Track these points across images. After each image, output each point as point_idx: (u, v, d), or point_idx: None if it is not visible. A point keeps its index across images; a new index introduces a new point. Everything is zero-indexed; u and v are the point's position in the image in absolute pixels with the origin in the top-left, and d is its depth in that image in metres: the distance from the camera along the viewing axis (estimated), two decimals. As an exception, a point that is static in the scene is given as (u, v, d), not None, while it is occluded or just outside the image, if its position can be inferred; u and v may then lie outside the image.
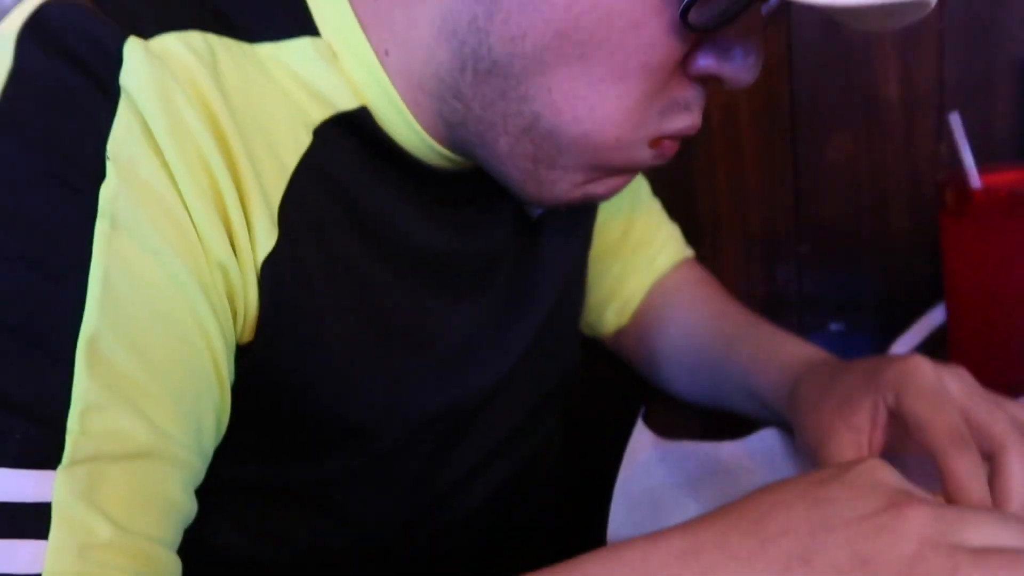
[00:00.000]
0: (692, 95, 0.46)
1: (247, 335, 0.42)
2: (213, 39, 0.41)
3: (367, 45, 0.45)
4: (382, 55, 0.45)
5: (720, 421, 0.67)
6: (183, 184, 0.38)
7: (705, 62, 0.44)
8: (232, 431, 0.43)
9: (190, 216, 0.38)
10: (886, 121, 0.89)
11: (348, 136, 0.45)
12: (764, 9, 0.44)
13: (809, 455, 0.53)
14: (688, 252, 0.79)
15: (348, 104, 0.45)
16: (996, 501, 0.42)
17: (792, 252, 0.94)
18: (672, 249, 0.76)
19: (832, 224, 0.93)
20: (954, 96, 0.86)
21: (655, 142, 0.46)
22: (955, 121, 0.64)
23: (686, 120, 0.46)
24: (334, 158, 0.45)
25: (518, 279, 0.57)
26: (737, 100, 0.91)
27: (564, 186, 0.47)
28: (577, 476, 0.75)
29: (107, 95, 0.37)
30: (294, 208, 0.43)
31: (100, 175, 0.36)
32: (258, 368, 0.43)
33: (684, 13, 0.39)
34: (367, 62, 0.45)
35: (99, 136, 0.37)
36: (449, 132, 0.47)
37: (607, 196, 0.50)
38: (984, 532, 0.33)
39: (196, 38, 0.40)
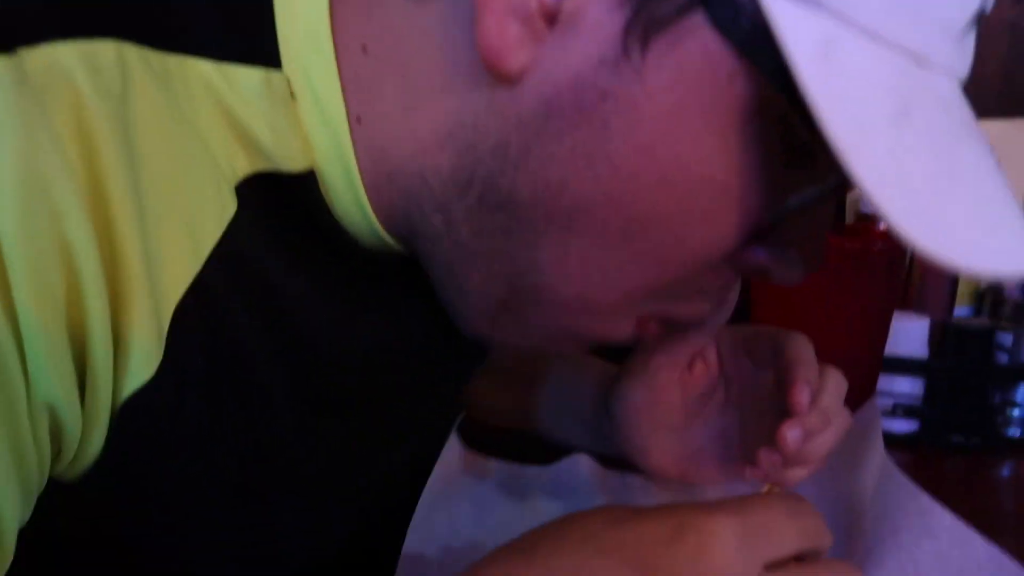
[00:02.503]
0: (720, 283, 0.38)
1: (72, 474, 0.31)
2: (132, 53, 0.29)
3: (339, 97, 0.33)
4: (352, 119, 0.34)
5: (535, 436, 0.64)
6: (15, 277, 0.25)
7: (761, 256, 0.36)
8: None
9: (16, 333, 0.26)
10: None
11: (278, 202, 0.34)
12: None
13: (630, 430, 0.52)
14: None
15: (293, 164, 0.33)
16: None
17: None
18: None
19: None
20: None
21: (642, 321, 0.39)
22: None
23: (697, 308, 0.39)
24: (256, 231, 0.33)
25: (427, 363, 0.47)
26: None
27: (515, 334, 0.40)
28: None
29: None
30: (193, 320, 0.31)
31: None
32: (78, 510, 0.32)
33: (766, 227, 0.33)
34: (330, 118, 0.33)
35: None
36: (409, 237, 0.37)
37: (552, 352, 0.45)
38: None
39: (107, 51, 0.28)
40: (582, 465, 0.60)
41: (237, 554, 0.41)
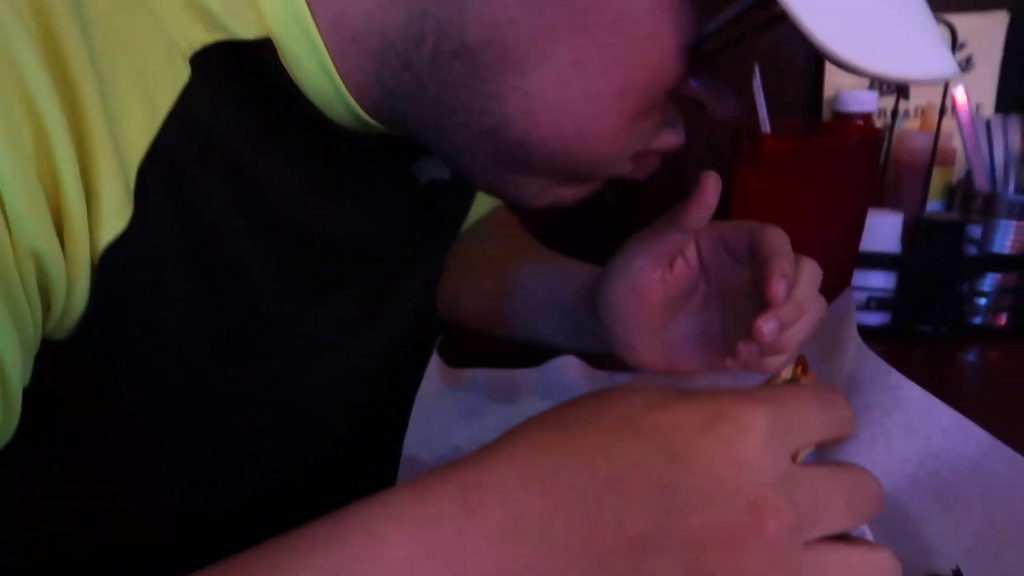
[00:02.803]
0: (677, 113, 0.43)
1: (62, 332, 0.33)
2: None
3: None
4: None
5: (517, 349, 0.66)
6: None
7: (697, 86, 0.40)
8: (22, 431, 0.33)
9: None
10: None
11: (237, 70, 0.35)
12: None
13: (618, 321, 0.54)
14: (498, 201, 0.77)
15: (247, 31, 0.34)
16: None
17: (597, 202, 0.95)
18: (487, 201, 0.74)
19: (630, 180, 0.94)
20: (753, 60, 0.90)
21: (639, 156, 0.42)
22: (754, 71, 0.66)
23: (673, 138, 0.43)
24: (215, 97, 0.34)
25: (401, 247, 0.49)
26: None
27: (532, 189, 0.42)
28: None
29: None
30: (158, 170, 0.32)
31: None
32: (66, 370, 0.34)
33: (702, 39, 0.36)
34: None
35: None
36: (388, 102, 0.38)
37: (576, 200, 0.45)
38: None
39: None
40: (569, 365, 0.61)
41: (211, 440, 0.42)
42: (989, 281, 0.75)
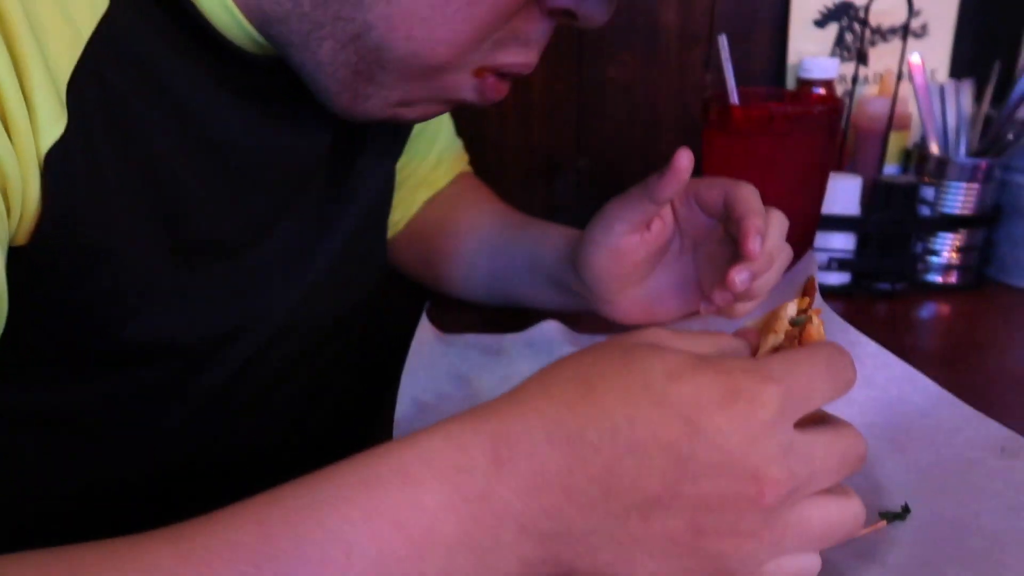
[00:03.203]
0: (536, 31, 0.44)
1: (22, 237, 0.36)
2: None
3: None
4: None
5: (501, 315, 0.69)
6: None
7: None
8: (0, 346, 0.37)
9: None
10: (662, 48, 0.94)
11: (152, 4, 0.39)
12: None
13: (601, 297, 0.57)
14: (466, 167, 0.80)
15: None
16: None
17: (572, 166, 0.98)
18: (456, 164, 0.77)
19: (609, 141, 0.97)
20: (722, 29, 0.92)
21: (480, 72, 0.44)
22: (722, 43, 0.69)
23: (521, 56, 0.45)
24: (135, 27, 0.38)
25: (335, 186, 0.53)
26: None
27: (377, 103, 0.45)
28: (365, 377, 0.75)
29: None
30: (87, 86, 0.36)
31: None
32: (32, 275, 0.37)
33: None
34: None
35: None
36: (267, 26, 0.42)
37: (417, 120, 0.48)
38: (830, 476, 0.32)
39: None
40: (552, 328, 0.64)
41: (174, 349, 0.45)
42: (941, 241, 0.79)
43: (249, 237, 0.47)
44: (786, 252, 0.54)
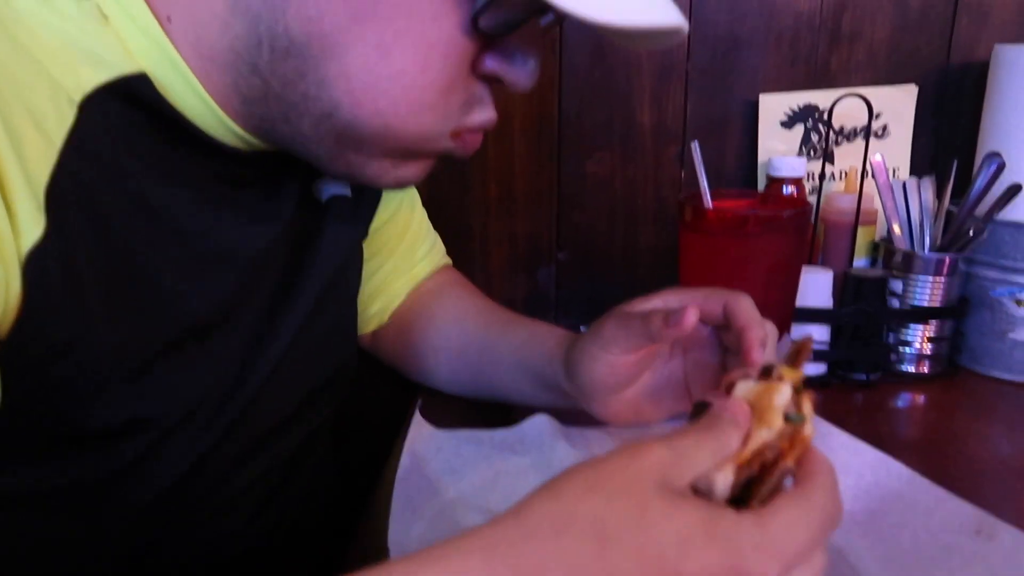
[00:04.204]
0: (484, 92, 0.49)
1: (2, 332, 0.38)
2: None
3: (144, 7, 0.42)
4: (163, 20, 0.43)
5: (494, 411, 0.70)
6: None
7: (492, 63, 0.47)
8: None
9: None
10: (639, 145, 0.98)
11: (123, 106, 0.42)
12: (543, 22, 0.47)
13: (595, 402, 0.59)
14: (447, 260, 0.82)
15: (123, 68, 0.42)
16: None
17: (552, 257, 1.01)
18: (435, 255, 0.79)
19: (589, 233, 1.01)
20: (696, 129, 0.97)
21: (456, 134, 0.49)
22: (695, 149, 0.73)
23: (485, 114, 0.49)
24: (107, 132, 0.41)
25: (297, 257, 0.55)
26: (511, 114, 0.96)
27: (374, 170, 0.48)
28: (348, 461, 0.75)
29: None
30: (64, 192, 0.38)
31: None
32: (5, 365, 0.38)
33: (476, 15, 0.43)
34: (144, 25, 0.42)
35: None
36: (246, 108, 0.45)
37: (417, 179, 0.52)
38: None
39: None
40: (543, 423, 0.65)
41: (141, 431, 0.45)
42: (912, 332, 0.82)
43: (216, 319, 0.49)
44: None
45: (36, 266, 0.37)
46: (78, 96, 0.40)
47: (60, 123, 0.39)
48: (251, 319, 0.52)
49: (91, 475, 0.45)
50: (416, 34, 0.43)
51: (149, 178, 0.44)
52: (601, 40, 0.92)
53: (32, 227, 0.37)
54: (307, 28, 0.42)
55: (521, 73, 0.47)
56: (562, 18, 0.45)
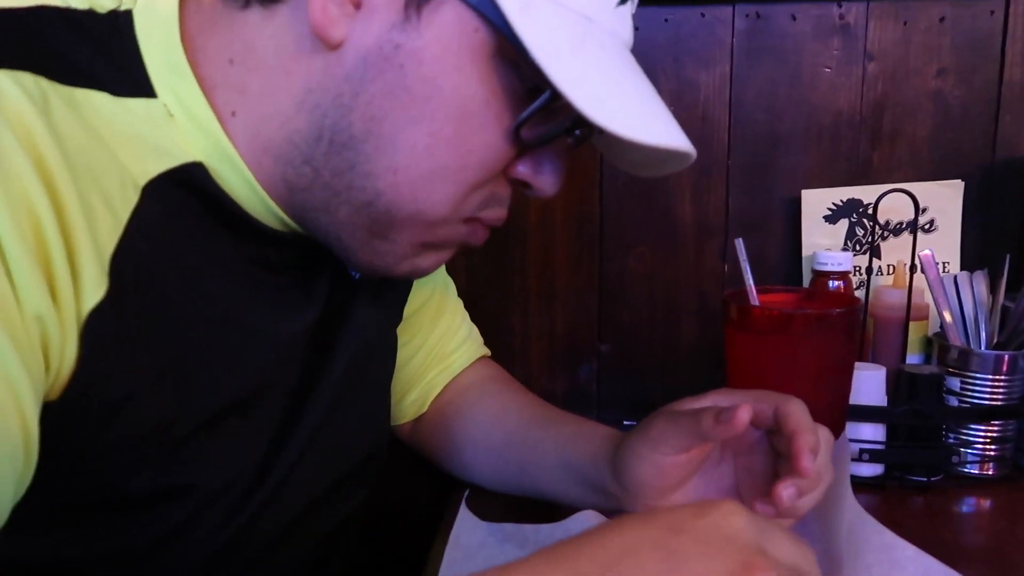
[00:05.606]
0: (506, 192, 0.53)
1: (53, 393, 0.40)
2: (45, 83, 0.41)
3: (206, 106, 0.46)
4: (226, 115, 0.47)
5: (539, 503, 0.69)
6: (2, 227, 0.36)
7: (523, 169, 0.51)
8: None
9: (5, 262, 0.36)
10: (680, 240, 0.98)
11: (181, 191, 0.46)
12: (576, 133, 0.50)
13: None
14: (485, 350, 0.82)
15: (183, 158, 0.46)
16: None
17: (594, 352, 1.00)
18: (472, 346, 0.79)
19: (630, 328, 0.99)
20: (737, 224, 0.97)
21: (468, 221, 0.52)
22: (739, 246, 0.72)
23: (499, 212, 0.54)
24: (166, 214, 0.45)
25: (326, 338, 0.57)
26: (553, 212, 0.97)
27: (393, 257, 0.52)
28: (383, 552, 0.73)
29: None
30: (127, 262, 0.42)
31: None
32: (55, 429, 0.40)
33: (519, 126, 0.47)
34: (203, 122, 0.46)
35: None
36: (290, 195, 0.49)
37: (431, 269, 0.55)
38: None
39: (27, 79, 0.40)
40: (589, 519, 0.63)
41: (178, 502, 0.47)
42: (974, 432, 0.79)
43: (254, 397, 0.51)
44: (829, 472, 0.55)
45: (94, 327, 0.40)
46: (142, 181, 0.44)
47: (126, 203, 0.43)
48: (283, 399, 0.54)
49: (130, 543, 0.46)
50: (463, 138, 0.47)
51: (200, 258, 0.47)
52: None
53: (95, 289, 0.40)
54: (369, 126, 0.46)
55: (548, 180, 0.51)
56: (593, 132, 0.48)
